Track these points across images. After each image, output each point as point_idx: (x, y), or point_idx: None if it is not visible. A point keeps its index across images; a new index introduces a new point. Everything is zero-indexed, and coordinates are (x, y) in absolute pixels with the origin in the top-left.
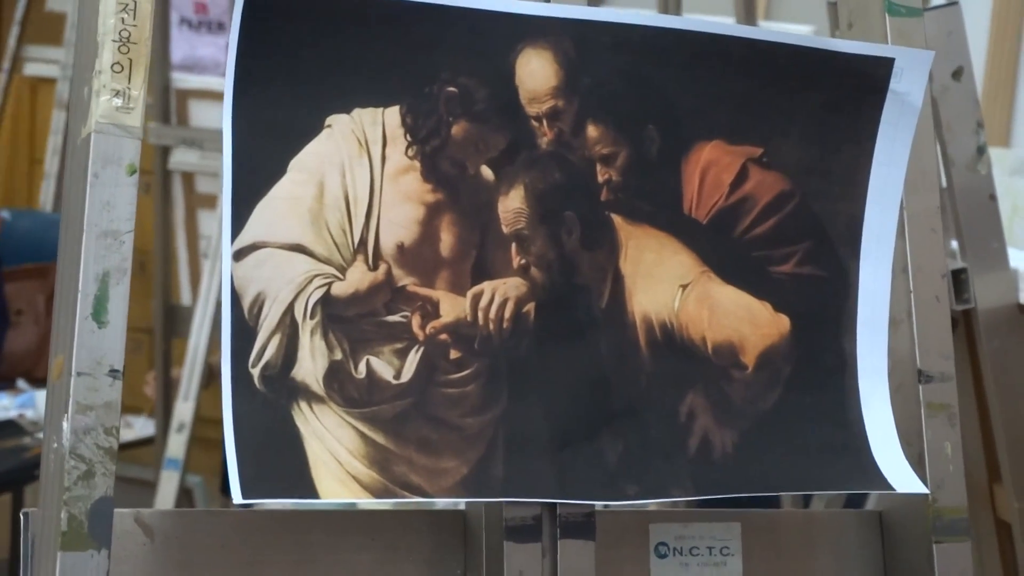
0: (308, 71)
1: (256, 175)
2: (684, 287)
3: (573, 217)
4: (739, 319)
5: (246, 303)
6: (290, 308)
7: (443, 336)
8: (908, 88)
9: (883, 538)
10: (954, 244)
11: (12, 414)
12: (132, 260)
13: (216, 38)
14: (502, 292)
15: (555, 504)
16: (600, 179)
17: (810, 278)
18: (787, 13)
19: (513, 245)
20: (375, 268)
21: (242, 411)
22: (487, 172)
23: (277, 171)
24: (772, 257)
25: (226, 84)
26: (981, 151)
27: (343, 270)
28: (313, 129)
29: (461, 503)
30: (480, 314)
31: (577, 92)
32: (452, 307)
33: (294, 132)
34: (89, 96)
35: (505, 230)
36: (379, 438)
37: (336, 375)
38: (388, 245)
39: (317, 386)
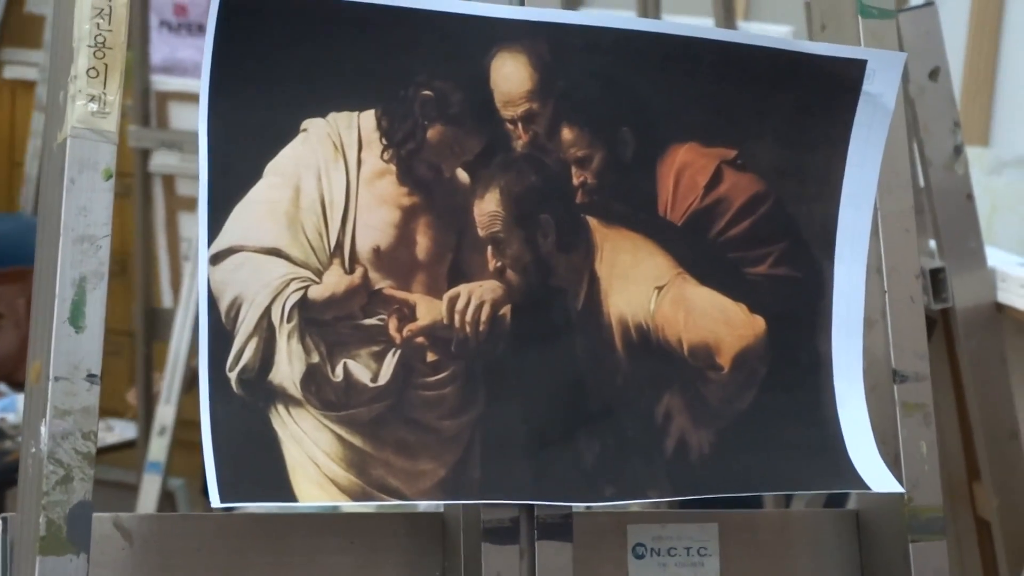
0: (283, 75)
1: (232, 179)
2: (660, 289)
3: (549, 220)
4: (715, 320)
5: (223, 307)
6: (267, 312)
7: (420, 339)
8: (881, 90)
9: (860, 537)
10: (932, 244)
11: None
12: (112, 263)
13: (196, 40)
14: (478, 295)
15: (532, 506)
16: (575, 181)
17: (785, 279)
18: (766, 14)
19: (489, 248)
20: (351, 271)
21: (220, 415)
22: (463, 175)
23: (253, 175)
24: (747, 258)
25: (201, 88)
26: (958, 151)
27: (320, 273)
28: (289, 133)
29: (439, 505)
30: (456, 317)
31: (552, 95)
32: (428, 310)
33: (270, 136)
34: (65, 101)
35: (481, 233)
36: (356, 441)
37: (313, 378)
38: (364, 248)
39: (294, 389)
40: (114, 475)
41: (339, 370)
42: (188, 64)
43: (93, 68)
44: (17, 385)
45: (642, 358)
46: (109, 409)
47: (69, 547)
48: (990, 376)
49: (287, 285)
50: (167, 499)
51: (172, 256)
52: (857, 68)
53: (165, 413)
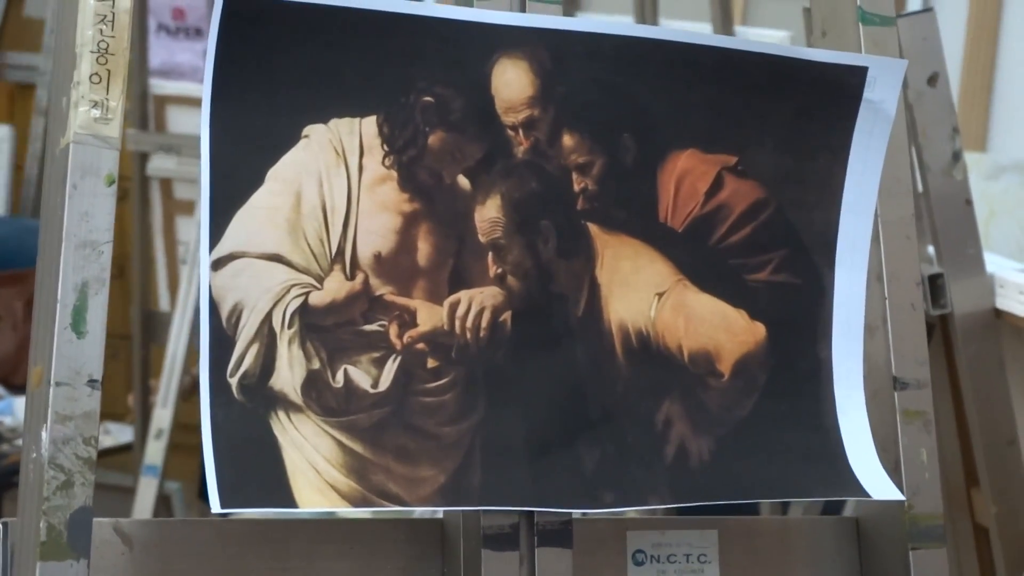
0: (285, 81)
1: (234, 185)
2: (660, 295)
3: (549, 226)
4: (715, 327)
5: (224, 313)
6: (268, 318)
7: (420, 345)
8: (882, 96)
9: (859, 545)
10: (931, 249)
11: None
12: (111, 266)
13: (194, 44)
14: (479, 301)
15: (532, 512)
16: (576, 188)
17: (785, 286)
18: (764, 19)
19: (490, 254)
20: (352, 277)
21: (220, 421)
22: (464, 181)
23: (255, 181)
24: (748, 265)
25: (204, 93)
26: (957, 157)
27: (320, 279)
28: (290, 139)
29: (439, 511)
30: (457, 323)
31: (553, 101)
32: (429, 316)
33: (272, 142)
34: (67, 107)
35: (482, 239)
36: (357, 447)
37: (314, 384)
38: (365, 254)
39: (295, 395)
40: (111, 479)
41: (340, 376)
42: (186, 68)
43: (96, 74)
44: (14, 388)
45: (642, 365)
46: (107, 412)
47: (69, 552)
48: (988, 382)
49: (288, 291)
50: (163, 503)
51: (169, 260)
52: (858, 75)
53: (162, 417)
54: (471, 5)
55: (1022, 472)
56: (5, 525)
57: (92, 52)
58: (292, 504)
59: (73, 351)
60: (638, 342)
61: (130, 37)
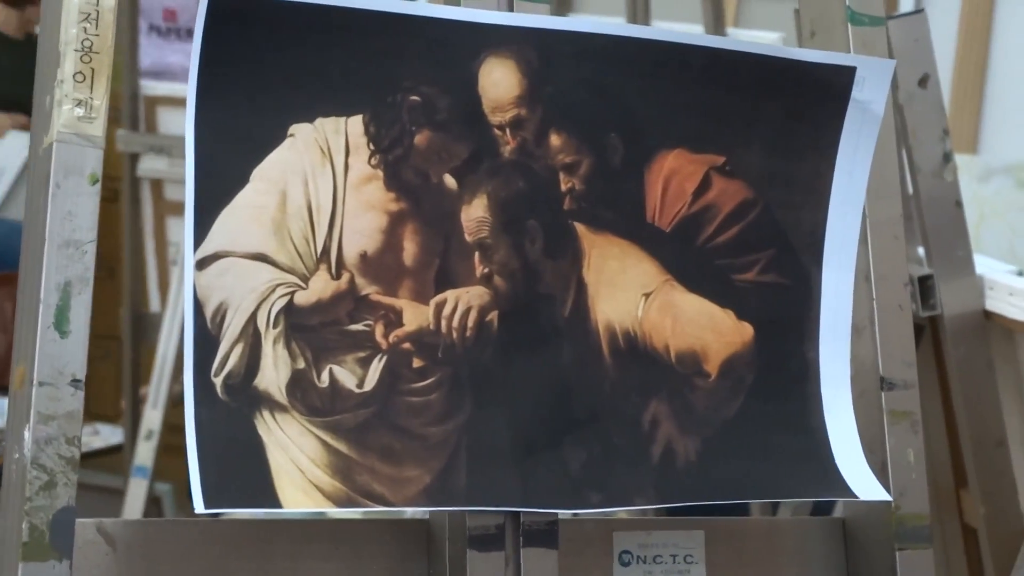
0: (271, 80)
1: (219, 184)
2: (647, 295)
3: (536, 226)
4: (702, 327)
5: (209, 312)
6: (253, 317)
7: (406, 345)
8: (870, 97)
9: (846, 545)
10: (920, 251)
11: None
12: (102, 267)
13: (185, 45)
14: (465, 301)
15: (518, 512)
16: (563, 188)
17: (773, 286)
18: (755, 20)
19: (476, 254)
20: (338, 277)
21: (205, 420)
22: (450, 181)
23: (240, 180)
24: (735, 265)
25: (188, 93)
26: (947, 158)
27: (306, 279)
28: (276, 138)
29: (424, 512)
30: (443, 323)
31: (540, 101)
32: (415, 316)
33: (257, 141)
34: (51, 105)
35: (468, 239)
36: (342, 447)
37: (299, 384)
38: (351, 254)
39: (280, 395)
40: (101, 480)
41: (325, 376)
42: (177, 69)
43: (80, 72)
44: (2, 389)
45: (629, 365)
46: (99, 414)
47: (52, 553)
48: (978, 384)
49: (273, 291)
50: (154, 504)
51: (160, 260)
52: (846, 75)
53: (152, 417)
54: (458, 4)
55: (1010, 473)
56: None
57: (76, 51)
58: (276, 504)
59: (56, 351)
60: (625, 342)
61: (114, 36)
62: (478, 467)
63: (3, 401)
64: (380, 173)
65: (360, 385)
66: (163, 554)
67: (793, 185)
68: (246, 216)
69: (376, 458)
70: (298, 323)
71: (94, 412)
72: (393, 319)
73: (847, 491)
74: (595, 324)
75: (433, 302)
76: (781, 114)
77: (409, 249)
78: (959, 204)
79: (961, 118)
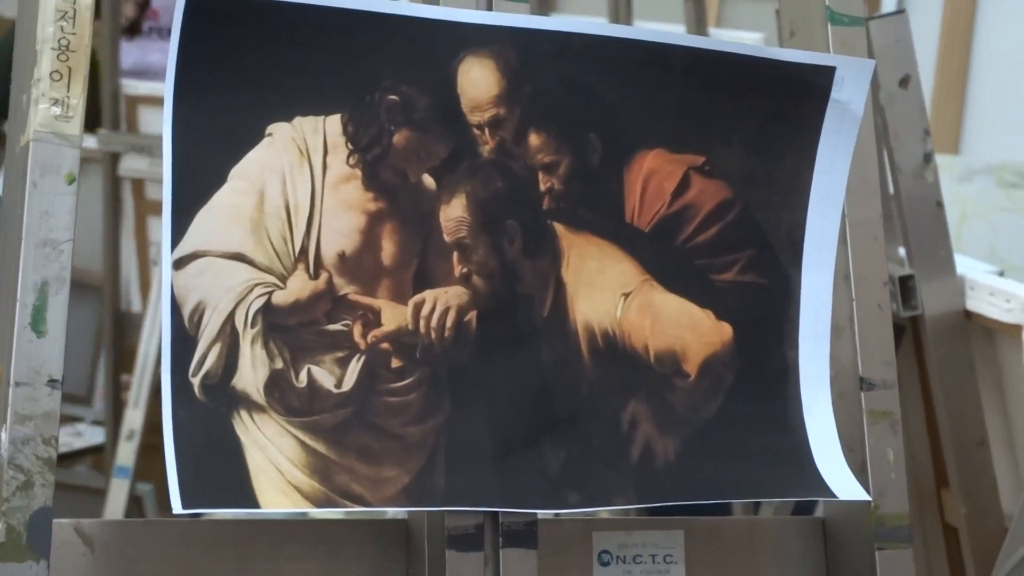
0: (249, 79)
1: (197, 183)
2: (626, 295)
3: (515, 226)
4: (681, 327)
5: (186, 312)
6: (230, 317)
7: (385, 345)
8: (849, 97)
9: (826, 545)
10: (901, 251)
11: None
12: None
13: (166, 44)
14: (444, 301)
15: (497, 513)
16: (542, 187)
17: (752, 286)
18: (738, 21)
19: (455, 254)
20: (316, 277)
21: (182, 420)
22: (429, 181)
23: (218, 179)
24: (714, 265)
25: (166, 92)
26: (928, 159)
27: (284, 279)
28: (254, 137)
29: (403, 512)
30: (422, 323)
31: (519, 101)
32: (394, 316)
33: (235, 140)
34: (28, 104)
35: (447, 239)
36: (320, 447)
37: (277, 384)
38: (329, 254)
39: (258, 395)
40: (82, 480)
41: (303, 376)
42: (158, 67)
43: (56, 71)
44: None
45: (608, 365)
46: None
47: (29, 554)
48: (958, 383)
49: (251, 290)
50: (135, 503)
51: (141, 260)
52: (826, 75)
53: (133, 417)
54: (437, 3)
55: (991, 473)
56: None
57: (53, 49)
58: (255, 505)
59: (33, 351)
60: (604, 342)
61: (91, 34)
62: (457, 467)
63: None
64: (358, 173)
65: (338, 385)
66: (141, 554)
67: (773, 185)
68: (224, 216)
69: (355, 458)
70: (276, 323)
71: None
72: (371, 319)
73: (827, 491)
74: (574, 324)
75: (411, 302)
76: (761, 114)
77: (387, 249)
78: (940, 204)
79: (943, 118)
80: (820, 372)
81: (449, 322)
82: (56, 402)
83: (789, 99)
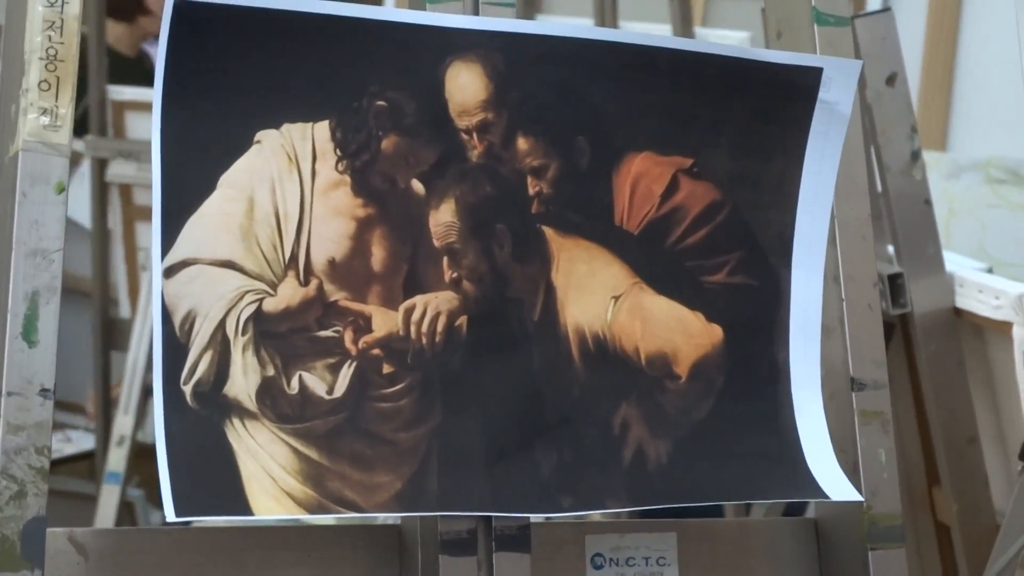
0: (237, 86)
1: (186, 191)
2: (616, 298)
3: (504, 230)
4: (672, 329)
5: (177, 320)
6: (222, 324)
7: (376, 351)
8: (837, 97)
9: (819, 546)
10: (890, 249)
11: None
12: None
13: (152, 48)
14: (434, 306)
15: (490, 517)
16: (531, 191)
17: (742, 287)
18: (723, 21)
19: (445, 259)
20: (306, 283)
21: (175, 428)
22: (417, 186)
23: (207, 187)
24: (704, 267)
25: (154, 100)
26: (915, 156)
27: (274, 286)
28: (242, 145)
29: (396, 517)
30: (412, 328)
31: (506, 105)
32: (384, 322)
33: (224, 148)
34: (16, 114)
35: (436, 244)
36: (313, 454)
37: (268, 391)
38: (319, 260)
39: (250, 402)
40: (73, 486)
41: (294, 383)
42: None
43: (45, 81)
44: None
45: (599, 368)
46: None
47: (23, 563)
48: (949, 381)
49: (241, 298)
50: (126, 509)
51: (129, 266)
52: (813, 76)
53: (123, 423)
54: (423, 8)
55: (983, 470)
56: None
57: (41, 59)
58: (248, 512)
59: (24, 360)
60: (595, 346)
61: (79, 44)
62: (449, 472)
63: None
64: (347, 179)
65: (330, 391)
66: (135, 563)
67: (761, 186)
68: (214, 223)
69: (347, 464)
70: (267, 330)
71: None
72: (362, 325)
73: (819, 492)
74: (564, 328)
75: (402, 308)
76: (748, 115)
77: (377, 255)
78: (928, 202)
79: (930, 115)
80: (811, 373)
81: (440, 327)
82: (48, 412)
83: (777, 100)
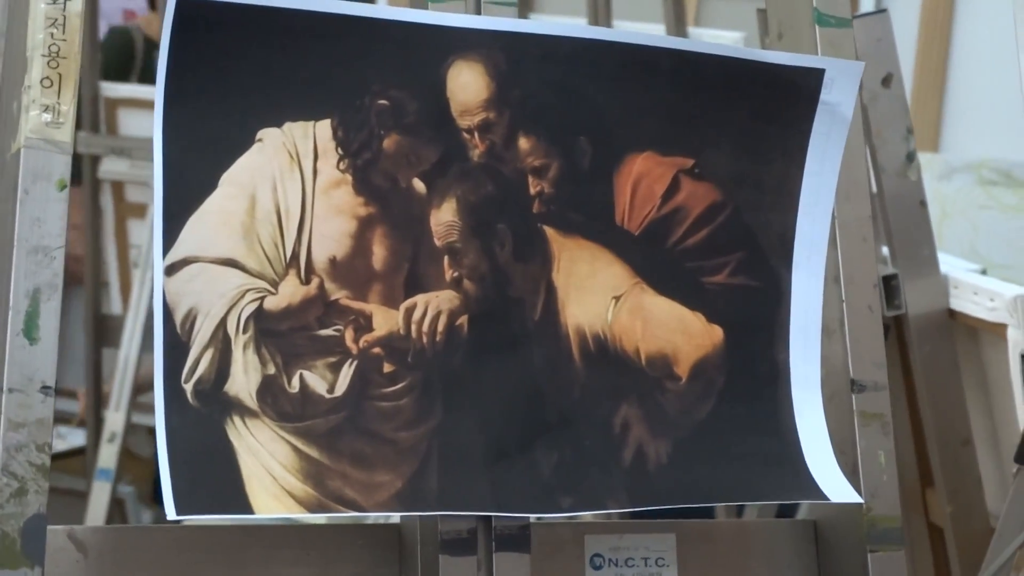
0: (239, 84)
1: (188, 189)
2: (617, 298)
3: (505, 229)
4: (672, 330)
5: (178, 318)
6: (223, 323)
7: (376, 350)
8: (839, 99)
9: (818, 547)
10: (885, 250)
11: None
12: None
13: None
14: (435, 305)
15: (490, 517)
16: (532, 191)
17: (743, 288)
18: (717, 20)
19: (446, 258)
20: (307, 282)
21: (175, 426)
22: (419, 185)
23: (209, 185)
24: (705, 268)
25: (156, 98)
26: (911, 158)
27: (275, 284)
28: (244, 143)
29: (396, 517)
30: (413, 327)
31: (508, 104)
32: (385, 320)
33: (225, 146)
34: (18, 111)
35: (438, 243)
36: (313, 452)
37: (269, 389)
38: (320, 259)
39: (250, 401)
40: (63, 482)
41: (295, 381)
42: None
43: (47, 78)
44: None
45: (600, 368)
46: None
47: (23, 561)
48: (943, 383)
49: (243, 296)
50: (117, 506)
51: (122, 263)
52: (815, 77)
53: (115, 420)
54: (426, 7)
55: (976, 472)
56: None
57: (43, 56)
58: (248, 510)
59: (25, 358)
60: (595, 346)
61: (81, 41)
62: (449, 471)
63: None
64: (349, 177)
65: (331, 390)
66: (134, 561)
67: (762, 187)
68: (215, 221)
69: (347, 463)
70: (268, 328)
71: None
72: (363, 324)
73: (818, 493)
74: (565, 328)
75: (403, 307)
76: (750, 116)
77: (378, 253)
78: (923, 203)
79: (922, 116)
80: (811, 374)
81: (440, 326)
82: (49, 409)
83: (778, 101)
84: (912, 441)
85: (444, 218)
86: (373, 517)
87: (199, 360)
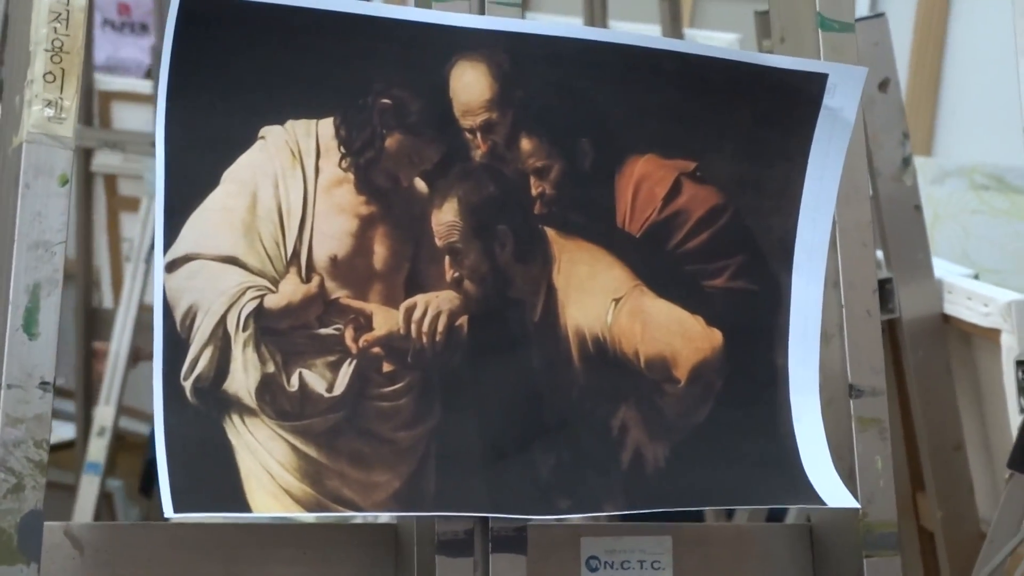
0: (241, 82)
1: (189, 186)
2: (617, 301)
3: (506, 230)
4: (671, 333)
5: (178, 315)
6: (223, 320)
7: (376, 349)
8: (841, 103)
9: (813, 552)
10: (879, 254)
11: None
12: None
13: (139, 39)
14: (435, 305)
15: (487, 518)
16: (534, 192)
17: (742, 292)
18: (713, 22)
19: (446, 258)
20: (308, 280)
21: (174, 424)
22: (421, 185)
23: (210, 182)
24: (705, 271)
25: (159, 94)
26: (907, 162)
27: (276, 282)
28: (246, 140)
29: (393, 517)
30: (413, 327)
31: (511, 105)
32: (385, 320)
33: (227, 143)
34: (21, 106)
35: (438, 243)
36: (311, 451)
37: (268, 388)
38: (321, 257)
39: (249, 399)
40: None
41: (294, 380)
42: (131, 63)
43: (50, 72)
44: None
45: (598, 370)
46: None
47: (20, 557)
48: (936, 387)
49: (243, 294)
50: (105, 500)
51: (113, 257)
52: (818, 82)
53: (104, 414)
54: (429, 7)
55: (968, 477)
56: None
57: (46, 50)
58: (246, 509)
59: (25, 353)
60: (594, 348)
61: (84, 35)
62: (447, 472)
63: None
64: (351, 176)
65: (330, 389)
66: (130, 558)
67: (763, 191)
68: (216, 218)
69: (346, 463)
70: (268, 326)
71: None
72: (363, 323)
73: (815, 498)
74: (564, 329)
75: (403, 306)
76: (752, 120)
77: (379, 253)
78: (918, 208)
79: (916, 120)
80: (810, 379)
81: (440, 327)
82: (48, 405)
83: (781, 105)
84: (904, 445)
85: (445, 218)
86: (371, 517)
87: (198, 358)
